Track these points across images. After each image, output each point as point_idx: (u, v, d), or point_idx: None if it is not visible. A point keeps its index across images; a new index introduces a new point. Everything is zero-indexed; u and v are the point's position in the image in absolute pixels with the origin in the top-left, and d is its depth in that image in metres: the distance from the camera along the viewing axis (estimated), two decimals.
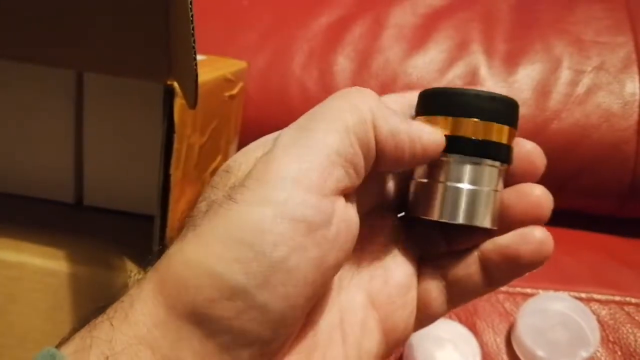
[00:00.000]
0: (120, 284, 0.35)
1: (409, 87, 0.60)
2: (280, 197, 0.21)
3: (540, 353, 0.42)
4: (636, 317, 0.47)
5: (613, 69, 0.59)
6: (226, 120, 0.44)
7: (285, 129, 0.24)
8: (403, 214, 0.29)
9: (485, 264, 0.27)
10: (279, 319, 0.21)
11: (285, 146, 0.22)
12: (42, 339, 0.35)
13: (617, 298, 0.48)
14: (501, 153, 0.25)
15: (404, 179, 0.28)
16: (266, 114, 0.59)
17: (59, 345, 0.21)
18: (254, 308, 0.20)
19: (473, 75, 0.60)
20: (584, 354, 0.43)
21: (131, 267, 0.36)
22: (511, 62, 0.60)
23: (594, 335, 0.43)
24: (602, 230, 0.58)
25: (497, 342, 0.46)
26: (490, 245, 0.26)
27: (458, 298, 0.28)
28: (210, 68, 0.42)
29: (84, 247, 0.37)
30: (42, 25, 0.32)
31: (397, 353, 0.45)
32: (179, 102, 0.33)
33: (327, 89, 0.60)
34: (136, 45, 0.32)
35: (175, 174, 0.34)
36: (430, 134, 0.25)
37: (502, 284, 0.27)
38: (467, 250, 0.27)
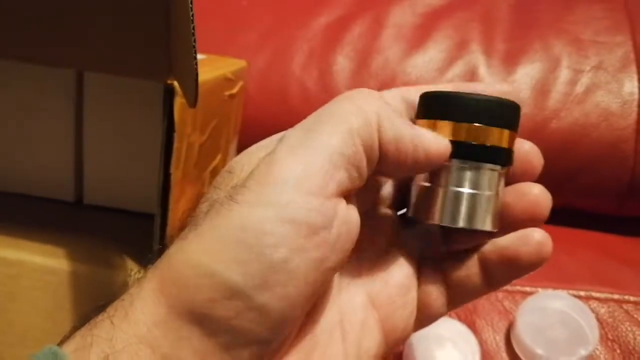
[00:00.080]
0: (120, 282, 0.35)
1: (408, 86, 0.60)
2: (281, 198, 0.21)
3: (539, 351, 0.42)
4: (635, 315, 0.47)
5: (612, 68, 0.59)
6: (226, 119, 0.44)
7: (290, 130, 0.23)
8: (404, 211, 0.29)
9: (485, 265, 0.27)
10: (279, 319, 0.21)
11: (289, 147, 0.22)
12: (42, 337, 0.35)
13: (616, 296, 0.48)
14: (502, 157, 0.25)
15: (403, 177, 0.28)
16: (266, 113, 0.60)
17: (60, 344, 0.21)
18: (254, 308, 0.21)
19: (472, 74, 0.60)
20: (583, 352, 0.43)
21: (131, 266, 0.36)
22: (510, 61, 0.61)
23: (593, 333, 0.44)
24: (601, 229, 0.58)
25: (496, 341, 0.46)
26: (489, 246, 0.27)
27: (458, 299, 0.28)
28: (210, 67, 0.42)
29: (84, 245, 0.37)
30: (42, 25, 0.32)
31: (397, 351, 0.45)
32: (179, 101, 0.33)
33: (326, 89, 0.61)
34: (136, 45, 0.33)
35: (176, 172, 0.34)
36: (435, 142, 0.24)
37: (502, 285, 0.28)
38: (467, 251, 0.27)
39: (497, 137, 0.25)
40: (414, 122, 0.26)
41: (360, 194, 0.25)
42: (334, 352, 0.25)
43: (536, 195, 0.26)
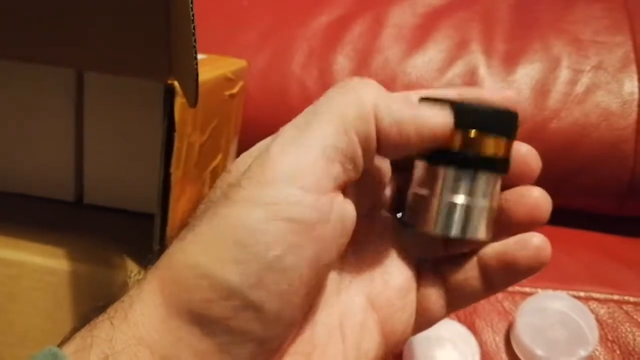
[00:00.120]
0: (120, 282, 0.35)
1: (408, 86, 0.60)
2: (275, 196, 0.21)
3: (539, 352, 0.42)
4: (635, 316, 0.47)
5: (612, 68, 0.59)
6: (226, 119, 0.44)
7: (286, 126, 0.23)
8: (402, 212, 0.29)
9: (484, 269, 0.27)
10: (276, 317, 0.21)
11: (282, 144, 0.22)
12: (42, 338, 0.35)
13: (616, 297, 0.48)
14: (497, 167, 0.25)
15: (402, 178, 0.28)
16: (266, 113, 0.60)
17: (60, 345, 0.21)
18: (250, 308, 0.21)
19: (472, 74, 0.60)
20: (583, 353, 0.43)
21: (131, 266, 0.36)
22: (510, 61, 0.61)
23: (592, 334, 0.44)
24: (600, 229, 0.58)
25: (496, 341, 0.46)
26: (488, 250, 0.27)
27: (457, 302, 0.28)
28: (210, 67, 0.42)
29: (84, 245, 0.37)
30: (42, 25, 0.32)
31: (397, 352, 0.45)
32: (179, 101, 0.33)
33: (326, 88, 0.60)
34: (136, 45, 0.32)
35: (176, 172, 0.34)
36: (437, 117, 0.24)
37: (501, 289, 0.28)
38: (466, 255, 0.27)
39: (493, 146, 0.25)
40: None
41: (360, 197, 0.25)
42: (334, 353, 0.25)
43: (536, 199, 0.26)
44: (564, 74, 0.59)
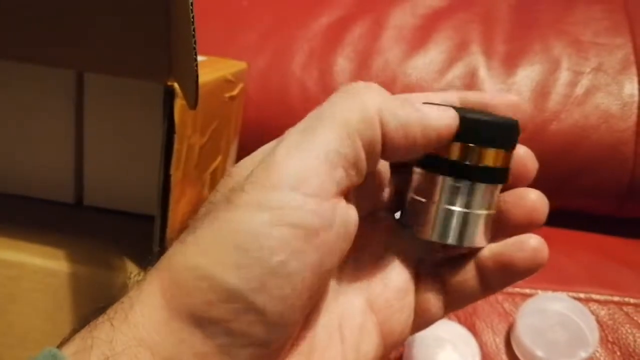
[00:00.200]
0: (120, 284, 0.35)
1: (408, 87, 0.60)
2: (278, 202, 0.21)
3: (539, 353, 0.42)
4: (635, 318, 0.47)
5: (612, 70, 0.59)
6: (226, 121, 0.44)
7: (291, 130, 0.23)
8: (400, 214, 0.29)
9: (482, 271, 0.27)
10: (277, 321, 0.21)
11: (286, 149, 0.22)
12: (42, 339, 0.35)
13: (616, 298, 0.48)
14: (496, 177, 0.25)
15: (401, 179, 0.28)
16: (266, 114, 0.60)
17: (59, 346, 0.21)
18: (252, 311, 0.21)
19: (472, 76, 0.60)
20: (583, 354, 0.43)
21: (131, 268, 0.36)
22: (510, 63, 0.61)
23: (592, 335, 0.44)
24: (600, 231, 0.58)
25: (496, 343, 0.46)
26: (486, 252, 0.27)
27: (455, 302, 0.28)
28: (210, 69, 0.42)
29: (84, 247, 0.37)
30: (42, 25, 0.32)
31: (397, 353, 0.45)
32: (179, 103, 0.33)
33: (327, 90, 0.60)
34: (136, 46, 0.32)
35: (176, 174, 0.34)
36: (443, 118, 0.24)
37: (498, 290, 0.28)
38: (464, 256, 0.27)
39: (492, 157, 0.25)
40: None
41: (360, 199, 0.25)
42: (333, 355, 0.25)
43: (533, 201, 0.26)
44: (564, 76, 0.59)
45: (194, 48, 0.27)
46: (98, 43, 0.33)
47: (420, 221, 0.26)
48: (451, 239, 0.25)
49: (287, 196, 0.21)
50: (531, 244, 0.26)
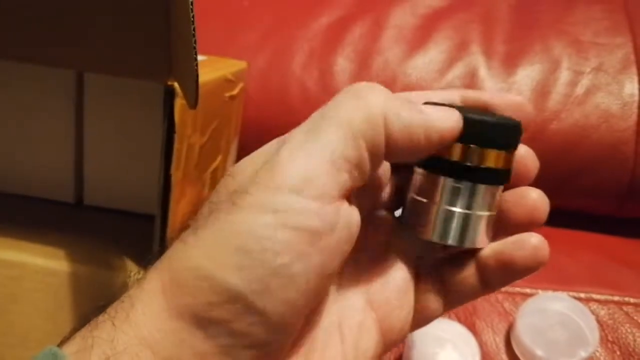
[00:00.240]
0: (121, 283, 0.35)
1: (408, 87, 0.60)
2: (283, 204, 0.21)
3: (539, 353, 0.42)
4: (635, 317, 0.47)
5: (612, 69, 0.59)
6: (226, 120, 0.44)
7: (293, 131, 0.23)
8: (400, 211, 0.29)
9: (482, 269, 0.27)
10: (279, 323, 0.21)
11: (291, 151, 0.22)
12: (43, 339, 0.35)
13: (616, 298, 0.48)
14: (497, 179, 0.25)
15: (401, 177, 0.28)
16: (266, 114, 0.60)
17: (60, 345, 0.21)
18: (254, 313, 0.21)
19: (472, 76, 0.60)
20: (583, 354, 0.43)
21: (131, 267, 0.36)
22: (510, 62, 0.61)
23: (593, 335, 0.44)
24: (601, 231, 0.58)
25: (496, 342, 0.46)
26: (487, 250, 0.27)
27: (455, 300, 0.28)
28: (210, 68, 0.42)
29: (85, 246, 0.37)
30: (42, 25, 0.32)
31: (397, 353, 0.45)
32: (179, 102, 0.33)
33: (327, 89, 0.60)
34: (137, 45, 0.33)
35: (176, 173, 0.34)
36: (446, 120, 0.24)
37: (498, 288, 0.28)
38: (464, 255, 0.27)
39: (493, 159, 0.25)
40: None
41: (361, 199, 0.25)
42: (333, 353, 0.25)
43: (534, 200, 0.26)
44: (564, 76, 0.59)
45: (194, 47, 0.27)
46: (98, 43, 0.33)
47: (421, 221, 0.26)
48: (452, 240, 0.25)
49: (290, 199, 0.21)
50: (532, 242, 0.26)
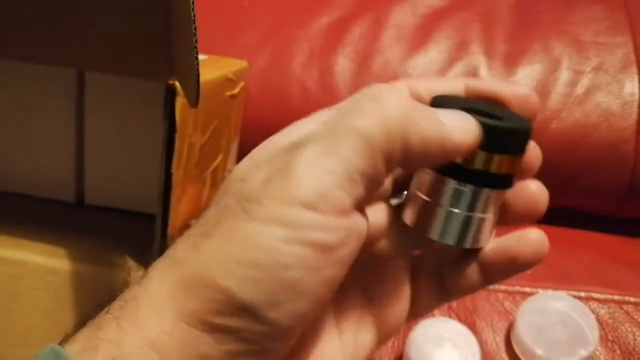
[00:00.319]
0: (121, 282, 0.35)
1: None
2: (295, 219, 0.21)
3: (539, 352, 0.43)
4: (635, 316, 0.47)
5: (612, 69, 0.59)
6: (227, 119, 0.44)
7: (311, 138, 0.22)
8: (397, 201, 0.28)
9: (483, 264, 0.27)
10: (287, 331, 0.21)
11: (307, 162, 0.21)
12: (43, 337, 0.35)
13: (616, 297, 0.48)
14: (502, 183, 0.25)
15: (403, 173, 0.28)
16: (266, 113, 0.60)
17: (61, 343, 0.21)
18: (264, 323, 0.21)
19: (473, 75, 0.60)
20: (583, 353, 0.43)
21: (132, 266, 0.36)
22: (511, 62, 0.61)
23: (593, 334, 0.44)
24: (601, 230, 0.58)
25: (496, 341, 0.46)
26: (489, 245, 0.27)
27: (452, 293, 0.28)
28: (211, 68, 0.42)
29: (86, 245, 0.37)
30: (43, 25, 0.32)
31: (397, 352, 0.45)
32: (180, 101, 0.33)
33: (327, 89, 0.61)
34: (138, 45, 0.33)
35: (177, 172, 0.34)
36: (466, 134, 0.24)
37: (497, 282, 0.28)
38: (465, 250, 0.27)
39: (500, 164, 0.25)
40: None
41: (365, 198, 0.25)
42: (332, 349, 0.25)
43: (533, 192, 0.26)
44: (564, 75, 0.59)
45: (195, 47, 0.27)
46: (99, 43, 0.33)
47: (422, 218, 0.26)
48: (452, 240, 0.25)
49: (304, 214, 0.21)
50: (533, 237, 0.26)
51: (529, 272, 0.27)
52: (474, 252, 0.27)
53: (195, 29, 0.27)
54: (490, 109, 0.25)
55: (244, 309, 0.20)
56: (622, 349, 0.45)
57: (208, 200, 0.41)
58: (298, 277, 0.21)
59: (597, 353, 0.45)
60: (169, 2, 0.31)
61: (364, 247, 0.27)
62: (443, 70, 0.61)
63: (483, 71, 0.60)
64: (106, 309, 0.22)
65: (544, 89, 0.59)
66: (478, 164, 0.25)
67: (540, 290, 0.48)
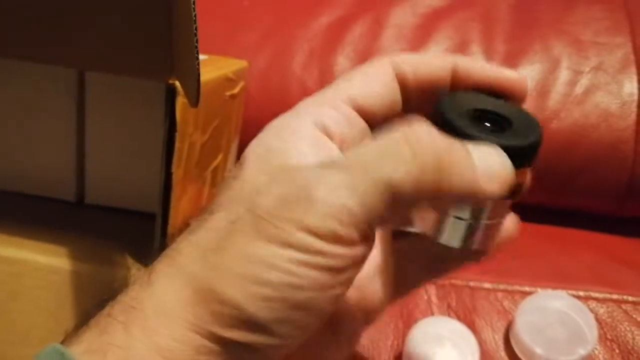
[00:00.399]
0: (122, 281, 0.35)
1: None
2: (311, 247, 0.21)
3: (538, 351, 0.43)
4: (634, 315, 0.47)
5: (611, 69, 0.59)
6: (227, 119, 0.44)
7: (339, 165, 0.22)
8: None
9: None
10: (293, 342, 0.22)
11: (330, 192, 0.21)
12: (44, 336, 0.35)
13: (615, 296, 0.48)
14: (510, 195, 0.25)
15: None
16: (267, 113, 0.59)
17: (63, 344, 0.21)
18: (274, 338, 0.21)
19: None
20: (582, 352, 0.43)
21: (133, 265, 0.36)
22: (510, 62, 0.61)
23: (591, 333, 0.44)
24: (600, 230, 0.58)
25: (495, 340, 0.46)
26: None
27: (437, 268, 0.28)
28: (211, 67, 0.42)
29: (86, 244, 0.37)
30: (43, 25, 0.32)
31: (397, 351, 0.45)
32: (180, 101, 0.33)
33: None
34: (138, 44, 0.33)
35: (177, 172, 0.34)
36: (497, 184, 0.23)
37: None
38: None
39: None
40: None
41: None
42: (329, 344, 0.26)
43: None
44: (563, 75, 0.60)
45: (196, 47, 0.28)
46: (100, 42, 0.33)
47: (425, 220, 0.26)
48: (455, 244, 0.25)
49: (320, 243, 0.21)
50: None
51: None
52: (477, 254, 0.27)
53: (196, 28, 0.27)
54: (499, 109, 0.25)
55: (255, 325, 0.21)
56: (620, 348, 0.45)
57: (208, 200, 0.42)
58: (309, 297, 0.21)
59: (596, 352, 0.45)
60: (170, 2, 0.31)
61: None
62: None
63: None
64: (107, 310, 0.22)
65: (543, 88, 0.59)
66: None
67: (539, 290, 0.48)
